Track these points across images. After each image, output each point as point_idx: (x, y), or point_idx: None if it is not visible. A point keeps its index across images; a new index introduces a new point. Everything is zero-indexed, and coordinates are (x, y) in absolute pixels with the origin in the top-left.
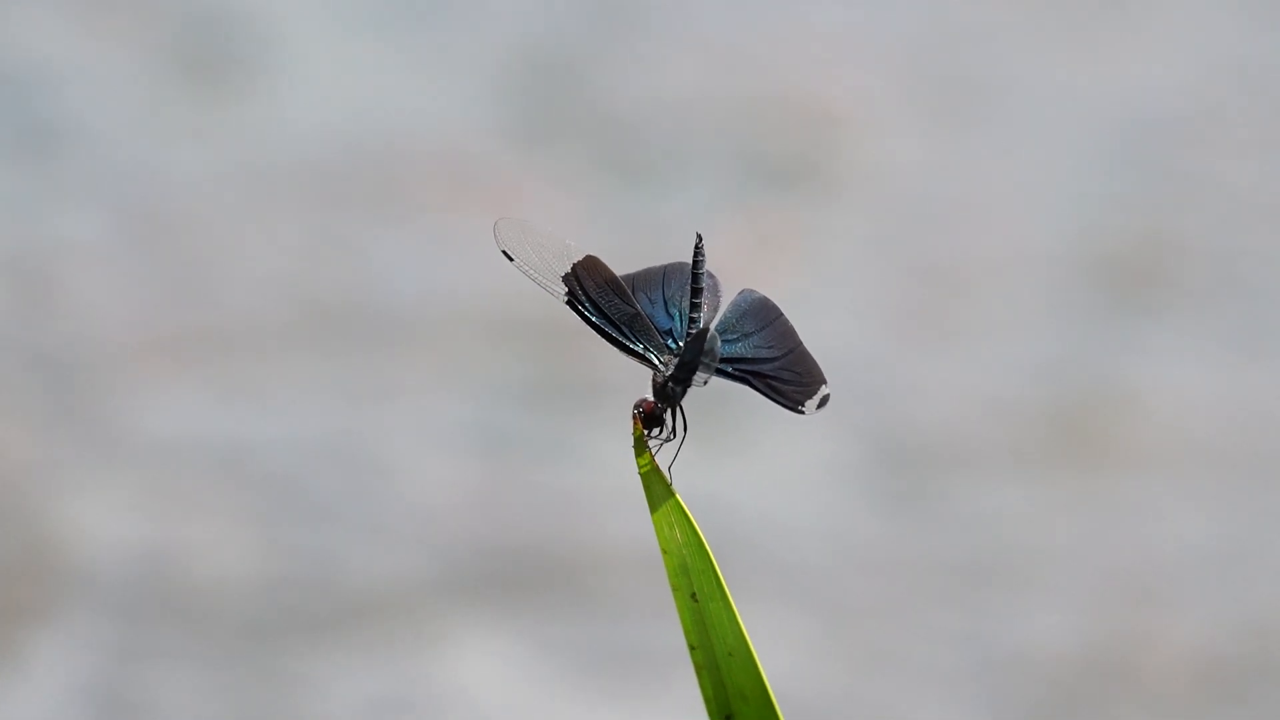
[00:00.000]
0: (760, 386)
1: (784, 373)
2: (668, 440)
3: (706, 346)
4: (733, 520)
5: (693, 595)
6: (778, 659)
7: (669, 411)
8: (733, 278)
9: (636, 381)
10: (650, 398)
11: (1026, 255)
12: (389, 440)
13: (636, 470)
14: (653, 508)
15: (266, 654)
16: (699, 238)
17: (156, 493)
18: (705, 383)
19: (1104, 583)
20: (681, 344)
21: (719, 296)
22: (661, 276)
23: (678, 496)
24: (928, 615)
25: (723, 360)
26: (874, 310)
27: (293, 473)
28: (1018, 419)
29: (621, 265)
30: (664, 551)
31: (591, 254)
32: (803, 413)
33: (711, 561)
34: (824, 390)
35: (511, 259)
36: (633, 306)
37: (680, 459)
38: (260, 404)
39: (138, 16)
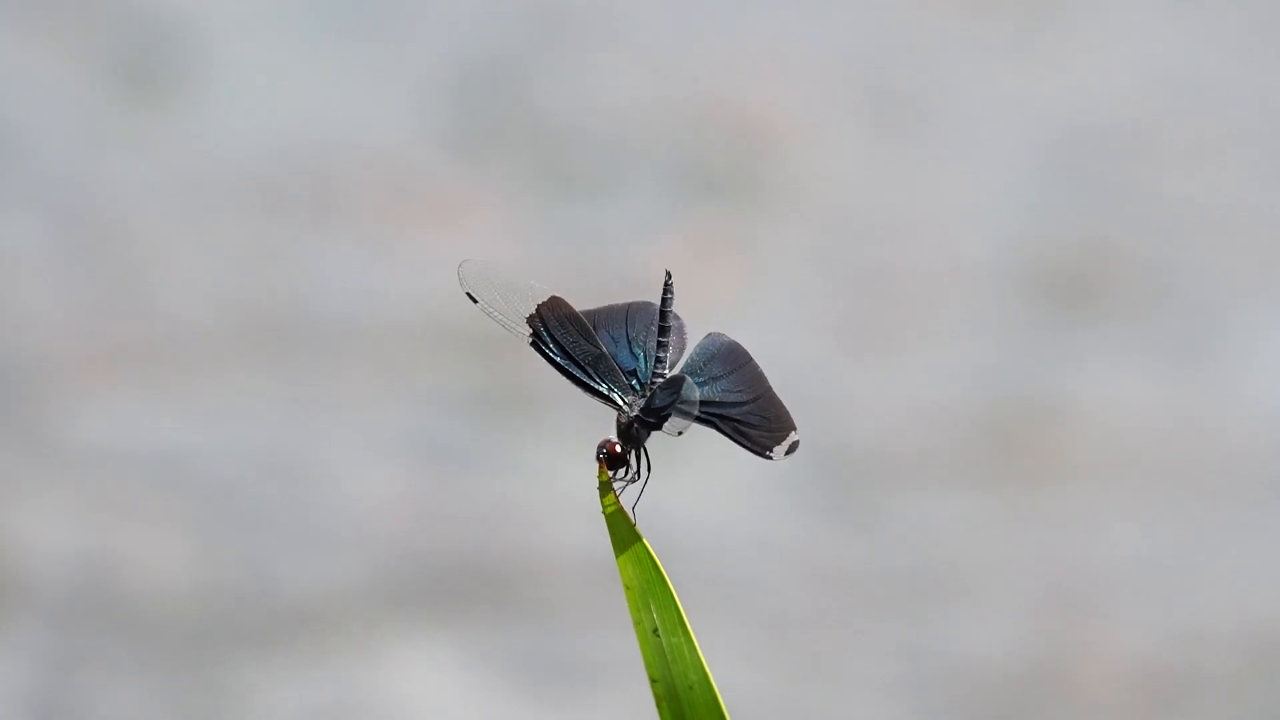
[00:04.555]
0: (727, 430)
1: (752, 417)
2: (631, 481)
3: (683, 394)
4: (673, 530)
5: (655, 630)
6: (718, 671)
7: (633, 453)
8: (673, 288)
9: (570, 390)
10: (614, 439)
11: (965, 266)
12: (327, 449)
13: (601, 510)
14: (616, 547)
15: (204, 663)
16: (668, 275)
17: (94, 501)
18: (680, 434)
19: (1042, 593)
20: (645, 384)
21: (685, 338)
22: (625, 315)
23: (642, 537)
24: (867, 626)
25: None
26: (813, 320)
27: (230, 482)
28: (956, 430)
29: (562, 275)
30: (626, 587)
31: (556, 294)
32: (771, 458)
33: (674, 598)
34: (793, 436)
35: (475, 301)
36: (597, 347)
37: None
38: (198, 413)
39: (76, 25)
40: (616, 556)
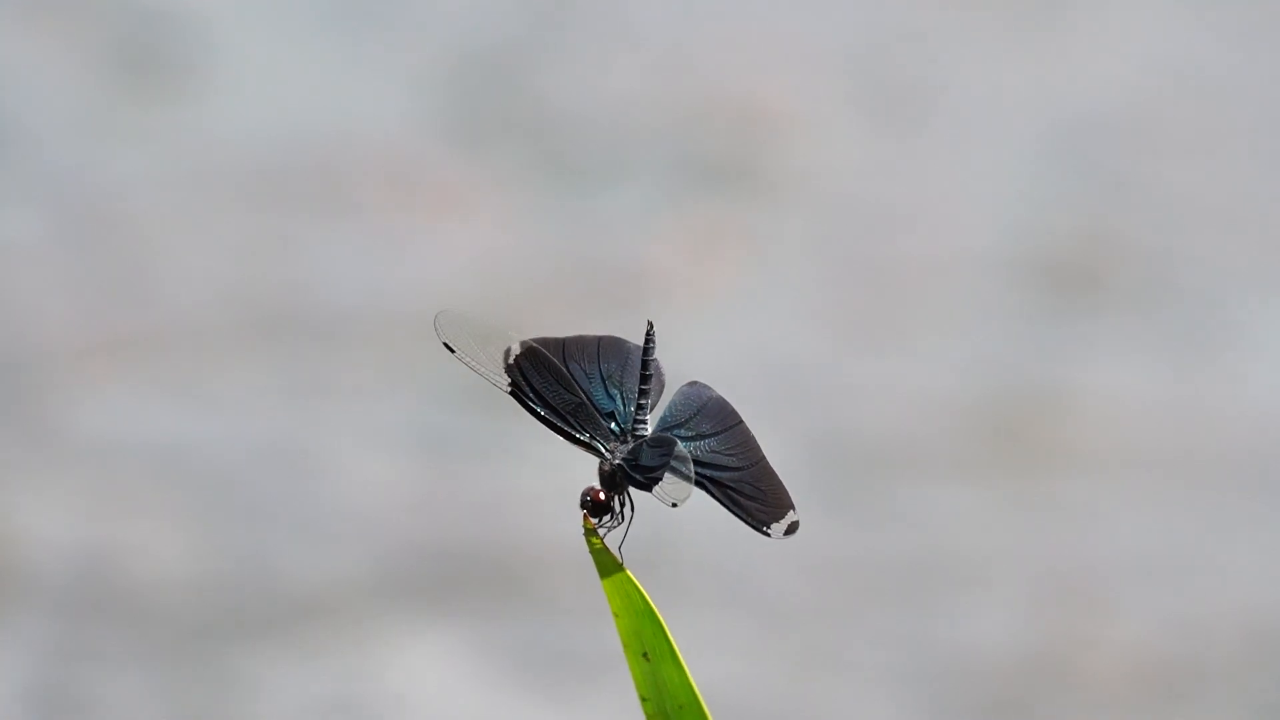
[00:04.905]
0: (719, 496)
1: (746, 487)
2: (616, 525)
3: (676, 456)
4: (672, 522)
5: (644, 655)
6: (716, 663)
7: (616, 498)
8: (673, 280)
9: None
10: (597, 486)
11: (967, 257)
12: (328, 440)
13: (587, 549)
14: (605, 584)
15: (205, 654)
16: (650, 325)
17: (95, 492)
18: (675, 505)
19: (1044, 584)
20: (625, 429)
21: (663, 382)
22: (596, 349)
23: (628, 571)
24: (867, 616)
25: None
26: (815, 311)
27: (232, 473)
28: (958, 420)
29: (562, 266)
30: (615, 615)
31: (532, 344)
32: (769, 535)
33: (663, 628)
34: (793, 516)
35: (453, 350)
36: (577, 396)
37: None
38: (200, 404)
39: (77, 17)
40: (605, 592)
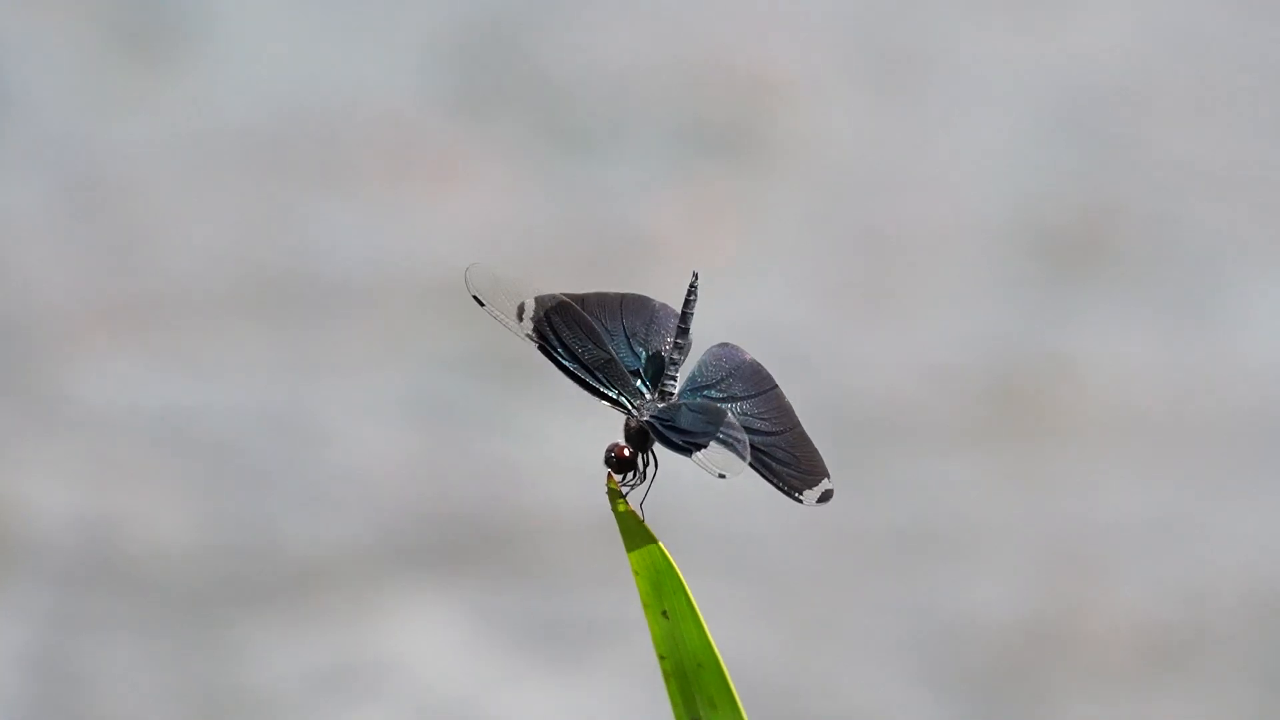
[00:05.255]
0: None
1: (779, 451)
2: (639, 483)
3: (728, 431)
4: (675, 490)
5: (664, 613)
6: (719, 630)
7: (639, 456)
8: (674, 248)
9: None
10: (622, 443)
11: (966, 225)
12: (329, 408)
13: (611, 509)
14: (627, 543)
15: (206, 622)
16: (695, 276)
17: (96, 461)
18: (722, 476)
19: (1045, 552)
20: (653, 386)
21: (691, 340)
22: (619, 306)
23: (649, 529)
24: (869, 585)
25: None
26: (814, 280)
27: (233, 441)
28: (958, 389)
29: (563, 234)
30: (636, 573)
31: (563, 298)
32: (801, 501)
33: (684, 586)
34: (827, 484)
35: (483, 304)
36: (606, 352)
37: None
38: (200, 372)
39: None
40: (628, 552)
